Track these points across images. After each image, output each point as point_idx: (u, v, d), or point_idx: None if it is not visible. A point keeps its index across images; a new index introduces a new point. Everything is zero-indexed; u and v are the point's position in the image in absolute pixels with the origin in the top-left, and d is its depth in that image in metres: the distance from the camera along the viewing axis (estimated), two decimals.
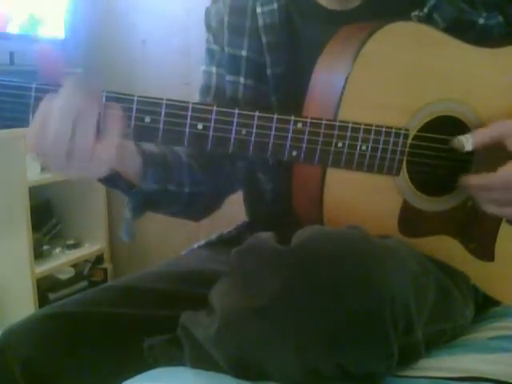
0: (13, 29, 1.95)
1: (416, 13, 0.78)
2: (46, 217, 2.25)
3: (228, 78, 0.89)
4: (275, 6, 0.85)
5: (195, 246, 1.01)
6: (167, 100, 0.63)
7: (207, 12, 0.94)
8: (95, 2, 2.29)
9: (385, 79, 0.71)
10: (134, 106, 0.63)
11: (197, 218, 0.95)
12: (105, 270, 2.32)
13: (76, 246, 2.25)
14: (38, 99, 0.60)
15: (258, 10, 0.86)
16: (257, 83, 0.87)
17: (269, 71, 0.85)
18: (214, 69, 0.93)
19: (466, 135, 0.73)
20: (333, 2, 0.84)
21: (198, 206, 0.90)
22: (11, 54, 1.96)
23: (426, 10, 0.78)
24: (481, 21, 0.80)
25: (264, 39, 0.85)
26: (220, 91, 0.91)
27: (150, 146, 0.78)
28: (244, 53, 0.87)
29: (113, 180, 0.73)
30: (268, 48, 0.85)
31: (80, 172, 0.62)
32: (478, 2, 0.80)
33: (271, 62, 0.85)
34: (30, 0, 2.00)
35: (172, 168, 0.81)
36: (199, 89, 0.95)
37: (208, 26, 0.94)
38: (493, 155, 0.73)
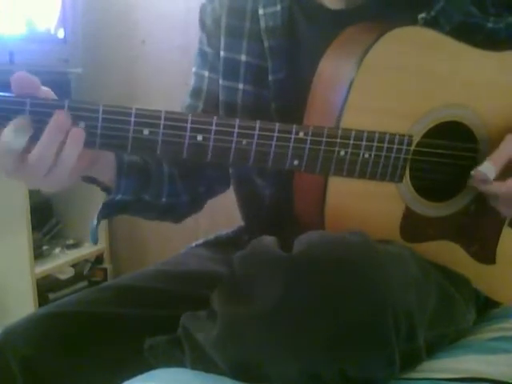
0: (13, 29, 1.95)
1: (423, 15, 0.75)
2: (46, 217, 2.24)
3: (224, 83, 0.85)
4: (278, 7, 0.81)
5: (193, 244, 1.01)
6: (166, 112, 0.62)
7: (202, 9, 0.90)
8: (95, 1, 2.29)
9: (389, 85, 0.70)
10: (132, 119, 0.61)
11: (175, 222, 0.92)
12: (105, 269, 2.31)
13: (76, 245, 2.25)
14: (33, 113, 0.59)
15: (261, 11, 0.82)
16: (257, 89, 0.83)
17: (270, 77, 0.81)
18: (206, 73, 0.89)
19: (485, 164, 0.70)
20: (337, 1, 0.79)
21: (174, 214, 0.89)
22: (11, 54, 1.96)
23: (433, 13, 0.75)
24: (489, 25, 0.77)
25: (266, 43, 0.81)
26: (212, 95, 0.88)
27: (131, 156, 0.76)
28: (243, 57, 0.83)
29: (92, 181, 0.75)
30: (270, 52, 0.81)
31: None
32: (488, 5, 0.77)
33: (273, 68, 0.81)
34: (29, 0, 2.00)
35: (150, 179, 0.79)
36: (189, 91, 0.91)
37: (202, 24, 0.90)
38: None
